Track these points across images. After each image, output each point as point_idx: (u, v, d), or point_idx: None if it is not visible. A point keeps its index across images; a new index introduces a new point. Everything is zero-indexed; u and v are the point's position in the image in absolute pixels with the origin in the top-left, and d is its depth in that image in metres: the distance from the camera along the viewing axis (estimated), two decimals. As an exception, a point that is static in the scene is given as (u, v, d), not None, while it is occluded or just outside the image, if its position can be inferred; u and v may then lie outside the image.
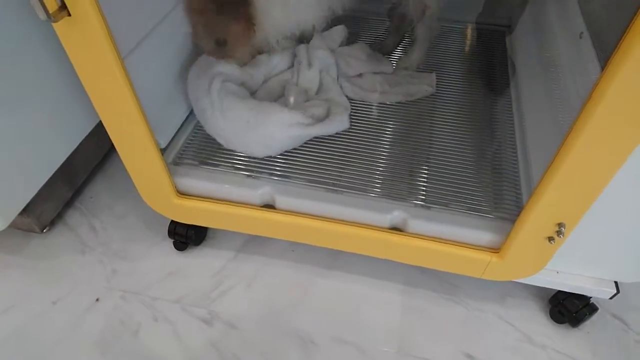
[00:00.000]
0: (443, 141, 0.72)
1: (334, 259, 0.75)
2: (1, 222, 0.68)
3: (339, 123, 0.70)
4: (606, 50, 0.47)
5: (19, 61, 0.64)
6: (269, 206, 0.66)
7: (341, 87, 0.78)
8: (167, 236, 0.76)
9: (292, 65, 0.78)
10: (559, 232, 0.52)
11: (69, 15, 0.43)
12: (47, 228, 0.79)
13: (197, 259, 0.76)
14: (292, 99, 0.72)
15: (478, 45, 0.92)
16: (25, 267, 0.74)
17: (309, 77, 0.76)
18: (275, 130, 0.66)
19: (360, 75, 0.80)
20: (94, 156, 0.88)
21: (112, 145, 0.84)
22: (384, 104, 0.78)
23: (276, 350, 0.65)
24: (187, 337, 0.66)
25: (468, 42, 0.93)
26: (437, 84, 0.80)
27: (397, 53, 0.88)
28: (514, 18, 0.92)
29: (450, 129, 0.74)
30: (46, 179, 0.74)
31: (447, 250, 0.61)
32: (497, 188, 0.66)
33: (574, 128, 0.42)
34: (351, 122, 0.73)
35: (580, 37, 0.55)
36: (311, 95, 0.74)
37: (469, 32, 0.95)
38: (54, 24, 0.44)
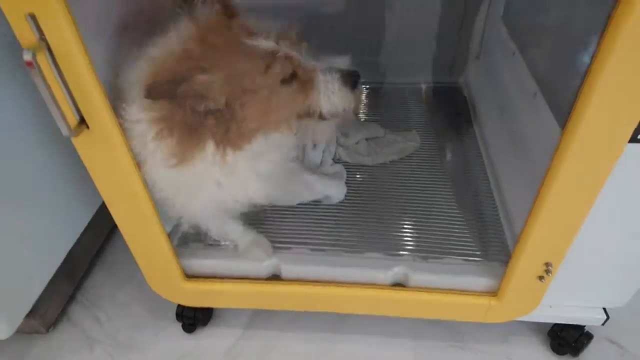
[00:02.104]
0: (427, 195, 0.78)
1: (341, 322, 0.77)
2: (6, 330, 0.68)
3: (339, 193, 0.77)
4: (560, 109, 0.54)
5: (17, 164, 0.67)
6: (276, 277, 0.69)
7: (339, 155, 0.85)
8: (174, 320, 0.76)
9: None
10: (547, 271, 0.57)
11: (87, 128, 0.48)
12: (52, 327, 0.79)
13: (206, 339, 0.76)
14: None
15: (438, 100, 1.01)
16: (31, 372, 0.73)
17: (312, 156, 0.82)
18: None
19: (357, 142, 0.87)
20: (92, 247, 0.89)
21: (109, 234, 0.86)
22: (366, 165, 0.84)
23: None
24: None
25: (429, 98, 1.02)
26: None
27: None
28: (467, 73, 1.02)
29: (431, 183, 0.80)
30: (50, 277, 0.75)
31: (449, 300, 0.64)
32: (483, 233, 0.71)
33: (544, 181, 0.49)
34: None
35: (535, 96, 0.64)
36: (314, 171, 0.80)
37: (427, 90, 1.05)
38: (73, 138, 0.48)
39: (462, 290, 0.64)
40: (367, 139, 0.88)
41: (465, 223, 0.73)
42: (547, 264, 0.56)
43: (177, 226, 0.73)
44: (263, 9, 0.55)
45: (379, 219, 0.74)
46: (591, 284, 0.64)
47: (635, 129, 0.44)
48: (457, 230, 0.72)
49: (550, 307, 0.68)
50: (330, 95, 0.53)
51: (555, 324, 0.71)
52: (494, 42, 0.87)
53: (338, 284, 0.66)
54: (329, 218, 0.74)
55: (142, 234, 0.60)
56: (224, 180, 0.54)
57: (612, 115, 0.43)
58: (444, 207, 0.76)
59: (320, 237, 0.71)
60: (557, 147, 0.46)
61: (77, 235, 0.80)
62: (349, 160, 0.85)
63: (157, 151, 0.50)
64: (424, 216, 0.74)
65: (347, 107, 0.54)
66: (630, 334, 0.75)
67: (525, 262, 0.56)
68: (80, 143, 0.49)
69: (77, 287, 0.85)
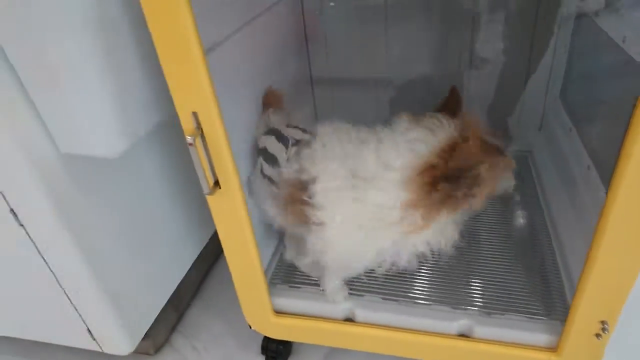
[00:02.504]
0: (492, 254, 0.85)
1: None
2: (129, 346, 0.84)
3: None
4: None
5: (154, 216, 0.86)
6: (350, 320, 0.79)
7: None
8: (259, 352, 0.88)
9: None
10: (603, 329, 0.61)
11: (220, 188, 0.63)
12: (155, 352, 0.94)
13: (286, 373, 0.87)
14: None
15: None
16: (142, 387, 0.87)
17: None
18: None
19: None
20: (194, 284, 1.05)
21: (205, 274, 1.01)
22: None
23: None
24: None
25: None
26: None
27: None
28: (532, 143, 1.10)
29: (497, 243, 0.87)
30: (162, 306, 0.91)
31: (510, 352, 0.70)
32: (546, 293, 0.76)
33: (593, 243, 0.56)
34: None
35: (588, 169, 0.71)
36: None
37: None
38: (208, 196, 0.64)
39: (523, 345, 0.70)
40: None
41: (528, 282, 0.79)
42: (603, 322, 0.61)
43: (267, 270, 0.86)
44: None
45: (447, 275, 0.82)
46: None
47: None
48: (520, 289, 0.77)
49: (615, 369, 0.70)
50: None
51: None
52: (554, 117, 0.96)
53: (407, 331, 0.74)
54: (401, 271, 0.83)
55: (246, 274, 0.74)
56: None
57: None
58: (508, 266, 0.82)
59: (391, 287, 0.80)
60: (602, 210, 0.54)
61: (185, 273, 0.97)
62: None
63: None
64: (489, 273, 0.81)
65: None
66: None
67: (581, 320, 0.62)
68: (213, 199, 0.65)
69: (180, 319, 1.00)
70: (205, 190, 0.61)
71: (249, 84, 0.80)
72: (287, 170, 0.70)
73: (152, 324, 0.90)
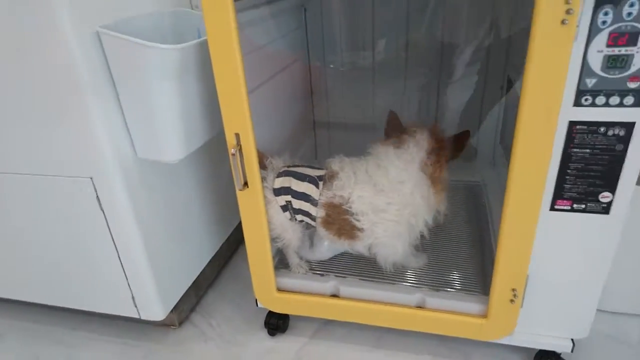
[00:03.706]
0: (445, 244, 1.11)
1: (378, 340, 1.07)
2: (162, 312, 1.07)
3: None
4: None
5: (192, 209, 1.12)
6: (335, 295, 1.03)
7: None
8: (262, 328, 1.11)
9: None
10: (515, 295, 0.87)
11: (248, 187, 0.90)
12: (179, 325, 1.16)
13: (283, 343, 1.09)
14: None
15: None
16: (168, 352, 1.09)
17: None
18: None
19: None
20: (211, 276, 1.29)
21: (221, 269, 1.27)
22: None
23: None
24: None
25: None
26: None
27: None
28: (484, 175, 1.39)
29: (451, 237, 1.14)
30: (187, 286, 1.14)
31: (454, 319, 0.94)
32: (481, 275, 1.02)
33: (500, 231, 0.83)
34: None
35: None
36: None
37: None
38: (238, 192, 0.91)
39: (463, 313, 0.94)
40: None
41: (469, 267, 1.04)
42: (513, 290, 0.87)
43: (274, 257, 1.11)
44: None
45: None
46: (555, 316, 0.91)
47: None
48: (462, 272, 1.03)
49: (531, 334, 0.95)
50: None
51: (538, 352, 0.97)
52: (498, 157, 1.26)
53: (379, 303, 0.99)
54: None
55: (259, 257, 0.99)
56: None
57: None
58: (454, 256, 1.08)
59: (368, 270, 1.06)
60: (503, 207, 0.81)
61: (206, 262, 1.22)
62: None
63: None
64: (442, 261, 1.07)
65: None
66: (602, 369, 0.98)
67: (499, 289, 0.87)
68: (242, 196, 0.92)
69: (198, 302, 1.24)
70: (239, 187, 0.89)
71: (272, 120, 1.10)
72: (325, 197, 0.95)
73: (177, 302, 1.13)
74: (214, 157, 1.19)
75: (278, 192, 0.98)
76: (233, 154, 0.85)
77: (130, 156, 0.91)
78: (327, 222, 0.96)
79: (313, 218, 0.97)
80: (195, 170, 1.12)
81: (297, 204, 0.97)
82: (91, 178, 0.90)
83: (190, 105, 0.90)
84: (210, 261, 1.24)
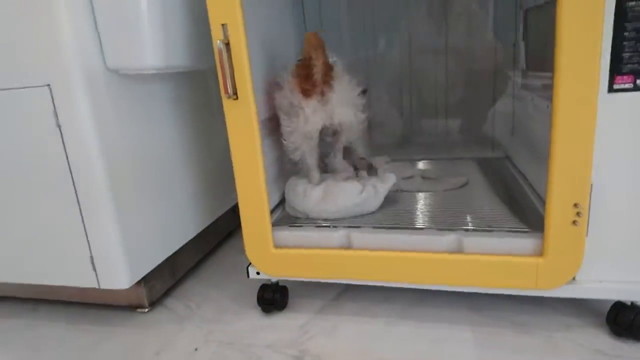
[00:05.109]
0: (478, 195, 0.92)
1: (404, 311, 0.84)
2: (127, 281, 0.84)
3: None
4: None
5: (173, 176, 0.94)
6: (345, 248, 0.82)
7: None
8: (255, 306, 0.88)
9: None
10: (578, 213, 0.68)
11: (237, 98, 0.75)
12: (149, 308, 0.92)
13: (282, 319, 0.85)
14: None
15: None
16: (130, 334, 0.85)
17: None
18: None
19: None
20: (193, 259, 1.07)
21: (206, 256, 1.07)
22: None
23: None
24: (280, 371, 0.72)
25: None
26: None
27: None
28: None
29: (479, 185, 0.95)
30: (160, 261, 0.92)
31: (501, 262, 0.73)
32: (522, 214, 0.82)
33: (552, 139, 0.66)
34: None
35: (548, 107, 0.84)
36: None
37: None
38: (225, 100, 0.75)
39: (511, 253, 0.73)
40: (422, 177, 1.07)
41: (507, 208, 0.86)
42: (575, 205, 0.68)
43: (274, 211, 0.91)
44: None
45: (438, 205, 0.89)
46: (633, 248, 0.71)
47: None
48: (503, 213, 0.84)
49: (601, 282, 0.73)
50: None
51: (613, 306, 0.74)
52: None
53: (400, 251, 0.78)
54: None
55: (251, 193, 0.79)
56: None
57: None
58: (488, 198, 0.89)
59: (383, 219, 0.86)
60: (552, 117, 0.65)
61: (187, 240, 1.01)
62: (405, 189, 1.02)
63: None
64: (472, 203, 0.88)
65: None
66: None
67: (557, 207, 0.68)
68: (229, 106, 0.76)
69: (175, 286, 1.00)
70: (226, 94, 0.73)
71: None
72: None
73: (149, 279, 0.90)
74: (205, 117, 1.05)
75: None
76: (220, 51, 0.71)
77: (99, 66, 0.77)
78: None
79: None
80: (180, 115, 0.97)
81: None
82: (48, 85, 0.74)
83: (170, 10, 0.78)
84: (192, 241, 1.03)
